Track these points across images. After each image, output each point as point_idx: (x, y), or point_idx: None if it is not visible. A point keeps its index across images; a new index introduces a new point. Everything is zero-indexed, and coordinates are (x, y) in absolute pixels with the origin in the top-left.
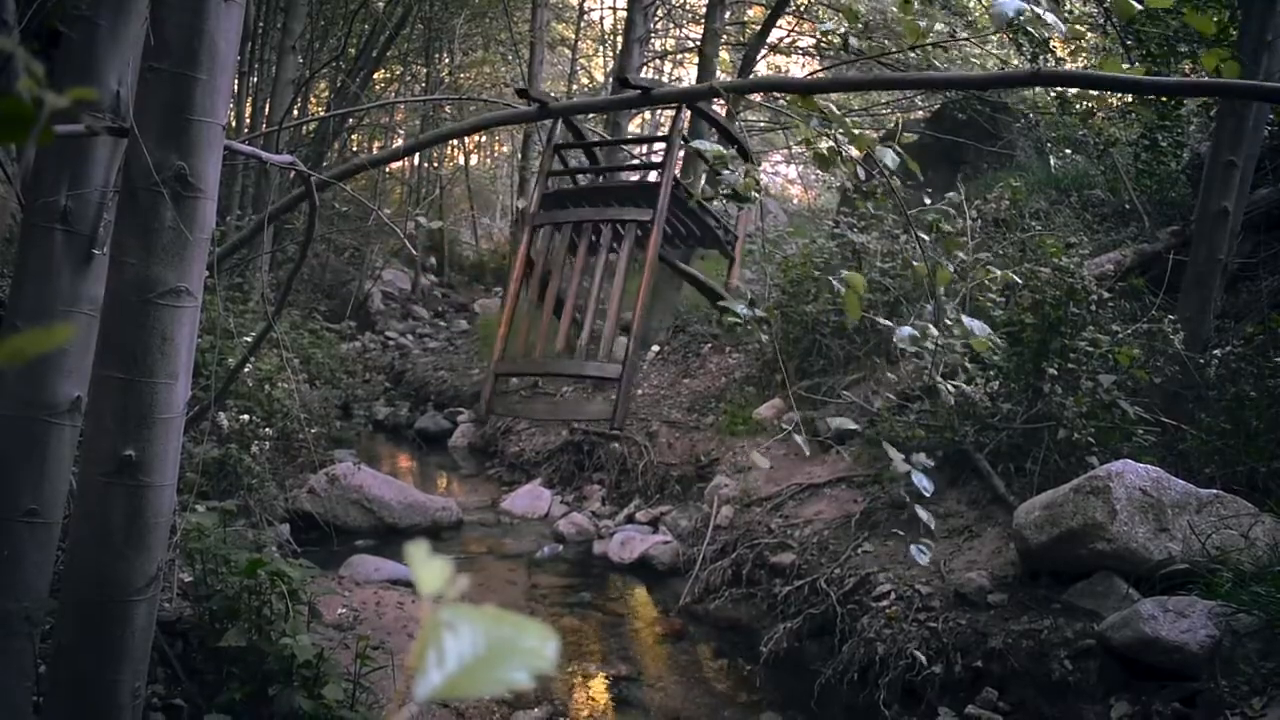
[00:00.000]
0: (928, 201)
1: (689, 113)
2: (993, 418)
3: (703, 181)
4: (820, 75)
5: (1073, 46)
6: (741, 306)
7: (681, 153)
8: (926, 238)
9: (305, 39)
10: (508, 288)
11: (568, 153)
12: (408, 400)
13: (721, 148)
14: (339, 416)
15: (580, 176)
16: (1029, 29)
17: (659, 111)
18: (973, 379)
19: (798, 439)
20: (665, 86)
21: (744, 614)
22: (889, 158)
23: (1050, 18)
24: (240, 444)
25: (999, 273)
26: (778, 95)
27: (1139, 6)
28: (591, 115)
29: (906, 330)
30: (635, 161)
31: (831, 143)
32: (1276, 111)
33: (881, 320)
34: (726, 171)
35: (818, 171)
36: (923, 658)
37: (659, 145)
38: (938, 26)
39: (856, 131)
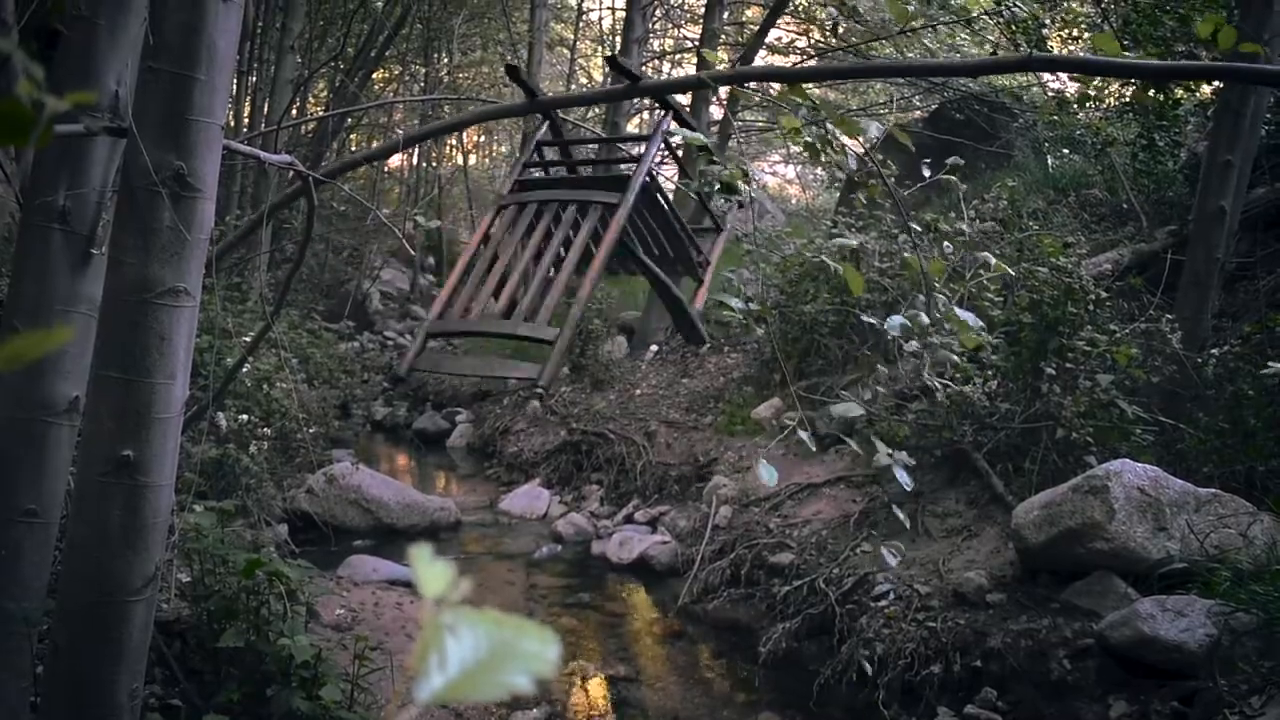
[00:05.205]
0: (928, 197)
1: (676, 112)
2: (991, 417)
3: (700, 182)
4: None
5: (1070, 47)
6: (737, 301)
7: (680, 155)
8: (921, 230)
9: (304, 39)
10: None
11: (554, 153)
12: (406, 400)
13: (714, 151)
14: (337, 416)
15: (562, 169)
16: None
17: (657, 114)
18: (970, 378)
19: (803, 435)
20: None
21: (743, 614)
22: (874, 129)
23: None
24: (238, 444)
25: (994, 260)
26: (769, 86)
27: None
28: (590, 115)
29: (898, 319)
30: (626, 160)
31: (822, 131)
32: (1273, 111)
33: (867, 318)
34: (715, 165)
35: (816, 171)
36: (869, 667)
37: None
38: (934, 23)
39: (843, 114)
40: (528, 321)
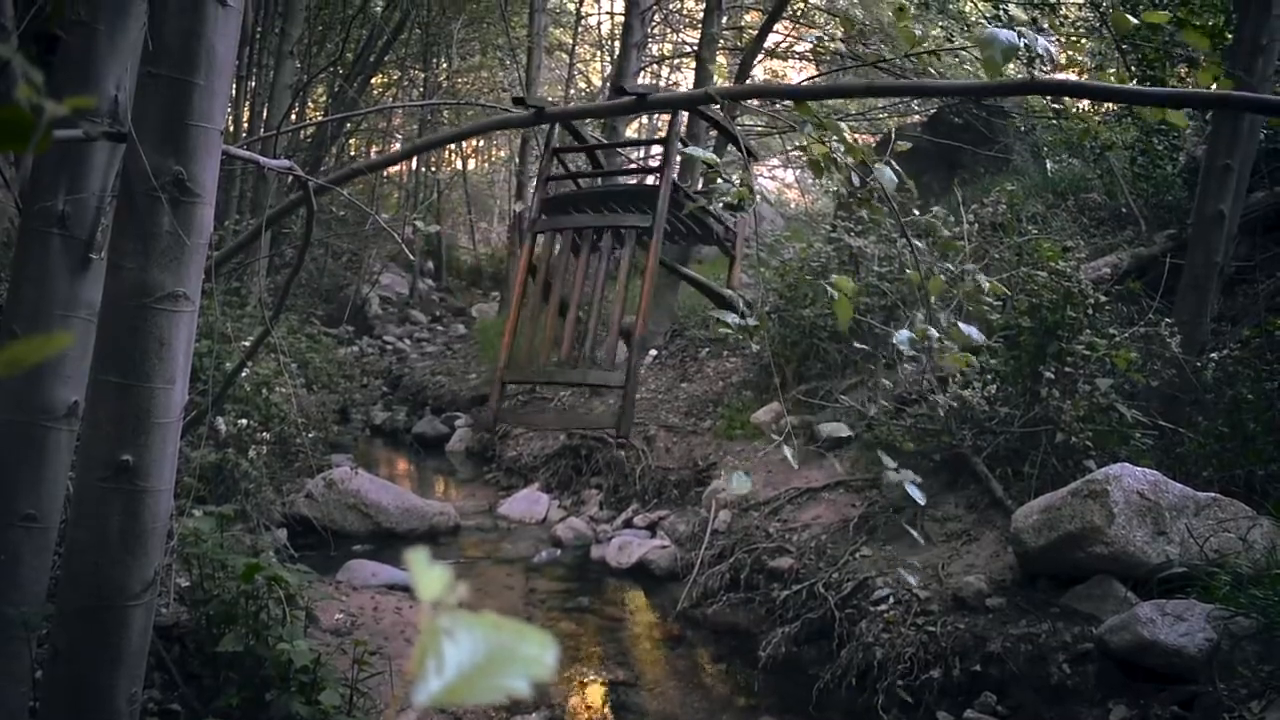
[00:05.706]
0: (931, 209)
1: (686, 116)
2: (990, 421)
3: (700, 185)
4: (816, 80)
5: (1070, 52)
6: (733, 316)
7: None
8: (921, 245)
9: (303, 44)
10: (510, 294)
11: (567, 156)
12: (405, 405)
13: (716, 155)
14: (336, 421)
15: (580, 180)
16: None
17: (656, 114)
18: (970, 383)
19: (786, 450)
20: (660, 92)
21: (742, 619)
22: (887, 176)
23: (1042, 44)
24: (238, 448)
25: (988, 284)
26: (773, 101)
27: (1135, 21)
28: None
29: (905, 334)
30: (633, 165)
31: (826, 149)
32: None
33: (880, 326)
34: (721, 180)
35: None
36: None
37: (657, 147)
38: (934, 31)
39: (851, 138)
40: (595, 369)
